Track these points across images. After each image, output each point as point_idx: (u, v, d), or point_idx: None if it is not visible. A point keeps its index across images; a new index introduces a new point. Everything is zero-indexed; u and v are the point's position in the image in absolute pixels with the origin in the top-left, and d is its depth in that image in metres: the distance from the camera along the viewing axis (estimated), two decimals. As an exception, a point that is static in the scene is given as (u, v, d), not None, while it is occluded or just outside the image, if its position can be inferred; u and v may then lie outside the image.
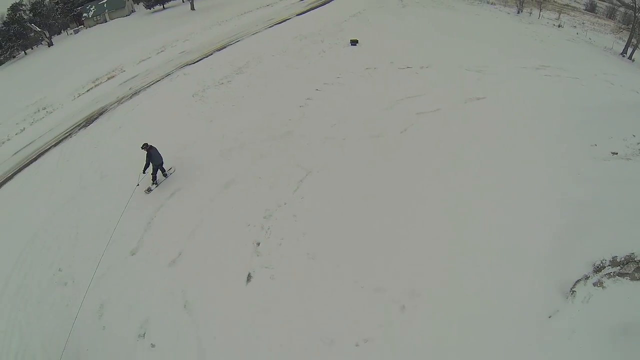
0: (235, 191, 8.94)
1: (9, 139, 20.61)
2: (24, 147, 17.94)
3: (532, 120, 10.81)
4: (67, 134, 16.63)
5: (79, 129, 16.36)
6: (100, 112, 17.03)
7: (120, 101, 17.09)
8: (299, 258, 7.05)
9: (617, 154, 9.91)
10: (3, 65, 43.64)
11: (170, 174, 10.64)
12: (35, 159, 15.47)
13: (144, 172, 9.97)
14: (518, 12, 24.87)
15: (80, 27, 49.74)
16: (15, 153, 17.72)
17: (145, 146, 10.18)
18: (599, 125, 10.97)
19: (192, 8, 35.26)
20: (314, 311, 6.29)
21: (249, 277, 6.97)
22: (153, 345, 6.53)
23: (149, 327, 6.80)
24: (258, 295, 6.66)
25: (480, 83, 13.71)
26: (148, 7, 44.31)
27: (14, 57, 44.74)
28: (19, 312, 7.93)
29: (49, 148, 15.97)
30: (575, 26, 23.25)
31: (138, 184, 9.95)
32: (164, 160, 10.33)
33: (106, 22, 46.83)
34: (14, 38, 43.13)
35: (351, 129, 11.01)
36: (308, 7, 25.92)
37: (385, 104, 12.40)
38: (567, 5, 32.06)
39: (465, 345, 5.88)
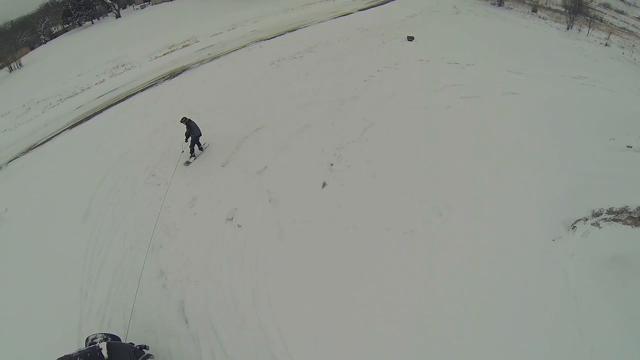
0: (312, 131, 11.35)
1: (89, 87, 23.84)
2: (107, 93, 20.91)
3: (559, 114, 12.71)
4: (152, 84, 19.49)
5: (164, 81, 19.19)
6: (183, 70, 19.84)
7: (201, 62, 19.89)
8: (364, 176, 9.37)
9: (631, 147, 11.72)
10: (70, 32, 47.73)
11: (205, 148, 11.59)
12: (122, 100, 18.34)
13: (186, 142, 10.91)
14: (567, 29, 26.05)
15: (146, 3, 53.57)
16: (99, 96, 20.80)
17: (184, 120, 10.88)
18: (619, 125, 12.79)
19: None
20: (375, 209, 8.57)
21: (324, 184, 9.34)
22: (239, 226, 8.84)
23: (236, 213, 9.14)
24: (331, 196, 9.00)
25: (518, 82, 15.60)
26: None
27: (80, 25, 47.73)
28: (113, 203, 10.20)
29: (135, 93, 18.82)
30: (623, 47, 24.30)
31: (183, 151, 11.06)
32: (201, 133, 11.08)
33: (172, 0, 50.30)
34: (83, 7, 46.37)
35: (405, 101, 13.22)
36: (368, 5, 28.20)
37: (434, 88, 14.52)
38: (624, 28, 32.79)
39: (485, 248, 7.99)
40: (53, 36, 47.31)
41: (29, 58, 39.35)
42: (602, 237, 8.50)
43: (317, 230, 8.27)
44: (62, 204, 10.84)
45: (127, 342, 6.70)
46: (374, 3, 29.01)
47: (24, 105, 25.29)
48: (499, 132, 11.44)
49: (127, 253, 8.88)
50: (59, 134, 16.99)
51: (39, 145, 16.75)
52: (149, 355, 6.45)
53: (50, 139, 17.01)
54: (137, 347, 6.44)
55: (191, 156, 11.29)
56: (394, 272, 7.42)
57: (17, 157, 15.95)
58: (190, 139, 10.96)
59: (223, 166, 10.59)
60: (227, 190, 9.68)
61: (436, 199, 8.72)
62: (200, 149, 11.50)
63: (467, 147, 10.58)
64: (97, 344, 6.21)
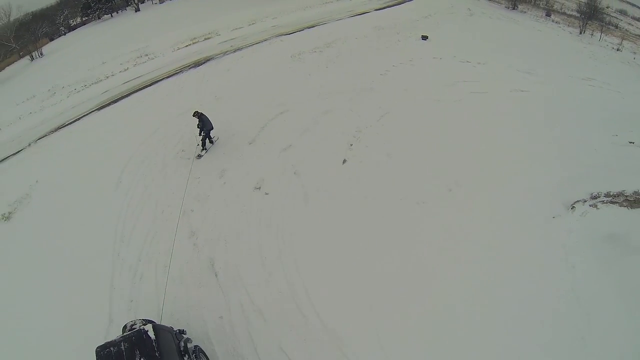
0: (332, 116, 12.27)
1: (113, 75, 25.00)
2: (133, 79, 21.99)
3: (565, 111, 13.44)
4: (177, 71, 20.54)
5: (189, 69, 20.24)
6: (207, 59, 20.87)
7: (224, 53, 20.94)
8: (380, 155, 10.27)
9: (633, 143, 12.41)
10: (89, 24, 48.96)
11: (215, 141, 12.05)
12: (149, 85, 19.41)
13: (199, 135, 11.39)
14: (580, 33, 26.58)
15: (165, -3, 54.59)
16: (125, 82, 21.91)
17: (196, 114, 11.28)
18: (624, 123, 13.47)
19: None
20: (390, 183, 9.45)
21: (344, 161, 10.25)
22: (267, 194, 9.79)
23: (263, 183, 10.08)
24: (351, 171, 9.92)
25: (527, 81, 16.33)
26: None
27: (99, 18, 48.41)
28: (145, 174, 11.17)
29: (162, 79, 19.87)
30: (635, 52, 24.80)
31: (198, 144, 11.65)
32: (213, 127, 11.46)
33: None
34: (102, 0, 46.89)
35: (419, 93, 14.06)
36: (384, 5, 29.03)
37: (445, 83, 15.31)
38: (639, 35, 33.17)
39: (489, 220, 8.79)
40: (71, 28, 48.46)
41: (49, 48, 40.80)
42: (600, 217, 9.22)
43: (338, 198, 9.17)
44: (94, 175, 11.90)
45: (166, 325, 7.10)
46: (390, 3, 29.83)
47: (49, 90, 26.64)
48: (506, 124, 12.21)
49: (159, 216, 9.85)
50: (87, 114, 18.12)
51: (68, 124, 17.94)
52: (188, 339, 6.75)
53: (79, 119, 18.19)
54: (177, 331, 6.81)
55: (202, 149, 11.78)
56: (406, 235, 8.28)
57: (46, 135, 17.14)
58: (202, 132, 11.39)
59: (250, 144, 11.55)
60: (255, 164, 10.62)
61: (445, 177, 9.56)
62: (211, 142, 12.00)
63: (475, 135, 11.37)
64: (141, 327, 6.35)
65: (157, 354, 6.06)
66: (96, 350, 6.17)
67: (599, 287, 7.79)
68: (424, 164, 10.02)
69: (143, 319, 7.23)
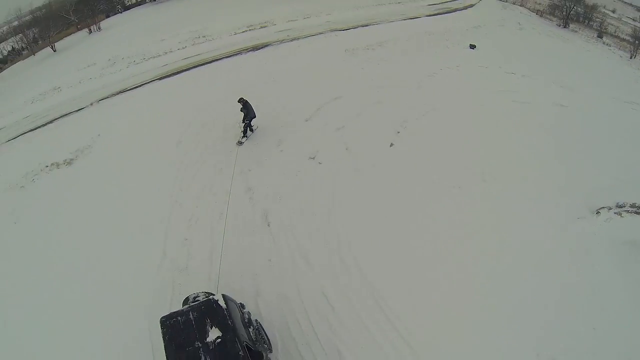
0: (382, 106, 13.49)
1: (171, 51, 26.91)
2: (191, 56, 23.74)
3: (602, 127, 14.14)
4: (236, 53, 22.16)
5: (247, 52, 21.84)
6: (264, 45, 22.44)
7: (281, 41, 22.47)
8: (423, 144, 11.48)
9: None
10: (144, 5, 51.11)
11: (255, 129, 12.71)
12: (208, 63, 21.01)
13: (243, 122, 12.02)
14: (631, 57, 26.48)
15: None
16: (184, 58, 23.73)
17: (242, 100, 11.81)
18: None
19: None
20: (432, 167, 10.60)
21: (391, 144, 11.47)
22: (320, 163, 11.08)
23: (318, 154, 11.39)
24: (396, 152, 11.17)
25: (569, 97, 16.88)
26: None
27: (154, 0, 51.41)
28: (205, 136, 12.62)
29: (221, 58, 21.40)
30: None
31: (241, 130, 12.38)
32: (255, 115, 12.12)
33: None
34: None
35: (463, 96, 15.04)
36: (435, 12, 29.85)
37: (489, 90, 16.19)
38: None
39: (518, 213, 9.73)
40: (127, 8, 51.04)
41: (106, 24, 43.51)
42: (623, 224, 9.96)
43: (383, 174, 10.44)
44: (155, 134, 13.62)
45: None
46: (441, 11, 30.62)
47: (109, 60, 29.05)
48: (544, 132, 13.03)
49: (217, 173, 11.24)
50: (148, 83, 19.99)
51: (129, 90, 19.91)
52: (249, 312, 7.02)
53: (139, 86, 20.15)
54: (240, 304, 6.96)
55: (243, 136, 12.40)
56: (440, 212, 9.43)
57: (107, 97, 19.19)
58: (245, 119, 12.03)
59: (306, 121, 12.92)
60: (310, 138, 12.01)
61: (482, 169, 10.61)
62: (251, 130, 12.56)
63: (513, 138, 12.30)
64: (211, 297, 6.44)
65: (229, 323, 6.08)
66: (161, 320, 6.20)
67: (614, 285, 8.39)
68: (463, 156, 11.10)
69: (205, 292, 7.45)
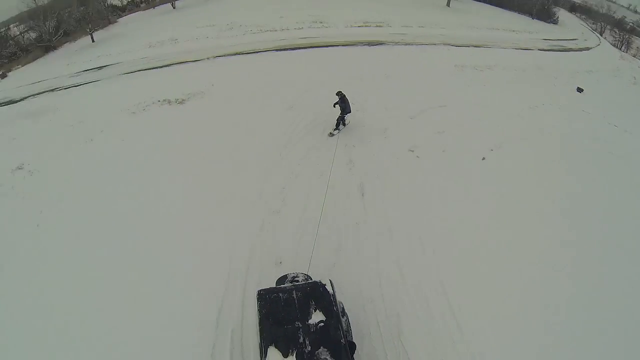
0: (482, 123, 14.83)
1: (288, 29, 29.55)
2: (309, 37, 26.20)
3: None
4: (352, 44, 24.31)
5: (363, 46, 23.98)
6: (379, 43, 24.45)
7: (395, 43, 24.35)
8: (511, 164, 12.74)
9: None
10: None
11: (347, 124, 13.66)
12: (324, 47, 23.71)
13: (341, 115, 13.03)
14: None
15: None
16: (302, 37, 26.22)
17: (339, 93, 12.64)
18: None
19: (448, 4, 41.63)
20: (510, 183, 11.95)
21: (483, 158, 12.95)
22: (418, 157, 12.70)
23: (417, 149, 12.93)
24: (488, 166, 12.57)
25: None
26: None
27: None
28: (316, 105, 14.66)
29: (337, 46, 23.86)
30: None
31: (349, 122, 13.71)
32: (351, 110, 13.04)
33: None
34: None
35: (560, 137, 15.79)
36: (549, 47, 29.78)
37: (586, 136, 16.49)
38: None
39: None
40: None
41: None
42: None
43: (471, 180, 11.86)
44: (265, 95, 16.27)
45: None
46: (555, 48, 30.46)
47: (227, 24, 32.78)
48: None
49: (323, 140, 13.30)
50: (263, 52, 22.96)
51: (244, 53, 22.91)
52: (341, 302, 7.13)
53: (255, 52, 23.03)
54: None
55: (336, 129, 13.47)
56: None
57: (223, 56, 22.32)
58: (342, 112, 12.90)
59: (411, 118, 14.77)
60: (412, 133, 13.81)
61: (563, 204, 11.74)
62: (344, 124, 13.47)
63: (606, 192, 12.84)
64: (319, 280, 6.58)
65: (334, 309, 6.11)
66: (259, 293, 6.38)
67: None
68: (543, 189, 12.12)
69: (304, 273, 7.77)
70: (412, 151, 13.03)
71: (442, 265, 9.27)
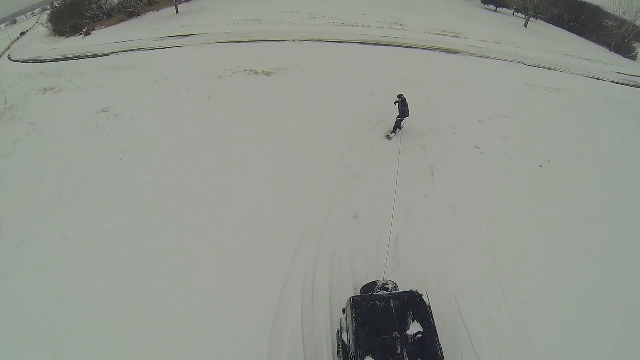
0: (543, 137, 16.38)
1: (369, 27, 31.99)
2: (388, 36, 28.41)
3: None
4: (428, 48, 26.28)
5: (439, 52, 25.81)
6: (455, 52, 26.19)
7: (470, 54, 25.95)
8: (563, 177, 14.31)
9: None
10: None
11: (403, 128, 14.51)
12: (402, 47, 25.83)
13: (400, 117, 14.04)
14: None
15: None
16: (382, 36, 28.72)
17: (401, 96, 13.53)
18: None
19: (526, 26, 42.07)
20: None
21: (540, 166, 14.61)
22: (482, 153, 14.63)
23: (482, 147, 14.82)
24: (544, 174, 14.24)
25: None
26: (485, 2, 52.26)
27: None
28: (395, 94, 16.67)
29: (415, 47, 26.07)
30: None
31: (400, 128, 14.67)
32: (409, 115, 13.89)
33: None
34: None
35: (619, 167, 16.94)
36: (622, 81, 29.80)
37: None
38: None
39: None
40: None
41: None
42: None
43: (527, 183, 13.54)
44: (352, 81, 19.04)
45: None
46: (629, 83, 30.49)
47: (311, 14, 35.55)
48: None
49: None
50: (345, 42, 25.58)
51: (328, 41, 25.37)
52: None
53: (338, 42, 25.40)
54: None
55: (392, 131, 14.53)
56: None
57: (307, 40, 24.83)
58: (401, 115, 13.82)
59: (479, 122, 16.61)
60: (479, 133, 15.67)
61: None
62: (400, 127, 14.42)
63: None
64: (415, 290, 6.59)
65: (431, 320, 6.09)
66: (354, 300, 6.31)
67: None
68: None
69: (392, 281, 7.99)
70: (478, 148, 14.95)
71: (497, 243, 11.10)
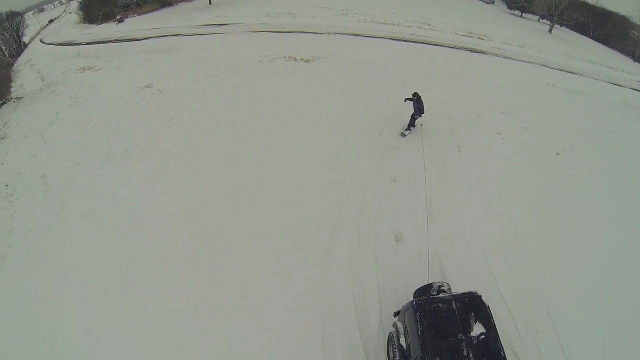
0: (560, 131, 17.70)
1: (398, 25, 33.57)
2: (416, 35, 29.97)
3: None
4: (453, 47, 27.69)
5: (465, 50, 27.20)
6: (481, 52, 27.54)
7: (495, 55, 27.27)
8: (579, 170, 15.65)
9: None
10: None
11: (419, 125, 14.74)
12: (429, 44, 27.54)
13: (417, 115, 14.31)
14: None
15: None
16: (411, 34, 30.19)
17: (416, 94, 13.83)
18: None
19: (550, 31, 42.95)
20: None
21: (557, 153, 15.98)
22: (504, 139, 16.08)
23: (503, 134, 16.19)
24: (559, 163, 15.61)
25: None
26: (510, 7, 53.17)
27: None
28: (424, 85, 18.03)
29: (442, 45, 27.62)
30: None
31: (421, 124, 14.83)
32: (424, 113, 14.13)
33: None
34: None
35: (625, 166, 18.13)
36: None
37: None
38: None
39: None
40: None
41: None
42: None
43: (544, 172, 14.94)
44: (385, 71, 20.78)
45: None
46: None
47: (342, 10, 37.16)
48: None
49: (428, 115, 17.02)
50: (377, 38, 27.42)
51: (361, 35, 27.31)
52: None
53: (370, 37, 26.95)
54: None
55: (407, 129, 15.01)
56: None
57: (342, 33, 26.45)
58: (416, 113, 14.16)
59: (501, 113, 18.02)
60: (501, 122, 16.94)
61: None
62: (413, 125, 14.82)
63: None
64: (474, 291, 6.48)
65: (492, 321, 6.07)
66: (417, 304, 6.30)
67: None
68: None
69: (446, 282, 7.96)
70: (500, 134, 16.39)
71: (515, 210, 12.57)
